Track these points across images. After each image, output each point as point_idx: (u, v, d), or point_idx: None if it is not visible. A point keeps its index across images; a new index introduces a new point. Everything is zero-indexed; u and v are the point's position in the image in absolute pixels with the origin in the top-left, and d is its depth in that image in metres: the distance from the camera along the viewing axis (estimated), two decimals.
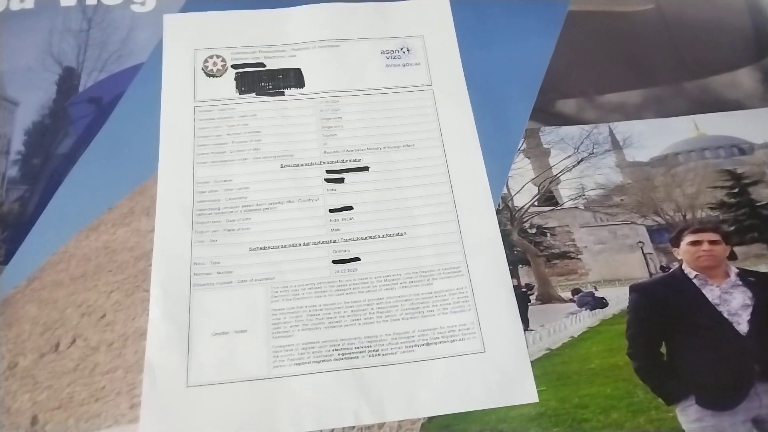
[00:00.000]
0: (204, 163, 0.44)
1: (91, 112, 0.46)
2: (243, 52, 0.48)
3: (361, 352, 0.38)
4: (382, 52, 0.50)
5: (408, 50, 0.50)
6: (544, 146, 0.46)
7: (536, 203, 0.43)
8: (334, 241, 0.42)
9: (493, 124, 0.46)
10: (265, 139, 0.45)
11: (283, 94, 0.47)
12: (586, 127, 0.47)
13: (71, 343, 0.38)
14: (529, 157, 0.46)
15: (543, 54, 0.50)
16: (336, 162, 0.45)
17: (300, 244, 0.41)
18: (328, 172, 0.44)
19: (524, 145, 0.46)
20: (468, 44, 0.50)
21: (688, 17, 0.53)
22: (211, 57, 0.48)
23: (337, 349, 0.38)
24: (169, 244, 0.41)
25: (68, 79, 0.47)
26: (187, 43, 0.48)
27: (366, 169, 0.45)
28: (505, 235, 0.41)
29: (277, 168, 0.44)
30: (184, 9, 0.50)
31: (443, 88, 0.48)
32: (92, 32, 0.48)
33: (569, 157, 0.46)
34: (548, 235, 0.42)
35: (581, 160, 0.45)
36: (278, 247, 0.41)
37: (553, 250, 0.42)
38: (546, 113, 0.48)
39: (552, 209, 0.44)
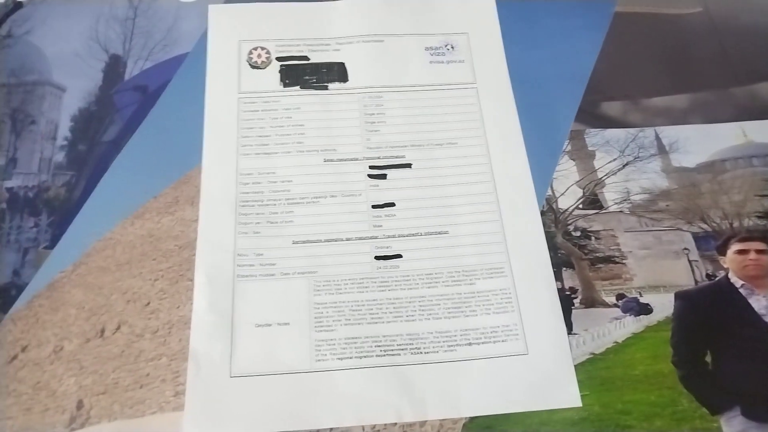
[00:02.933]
0: (248, 154, 0.44)
1: (137, 100, 0.46)
2: (287, 45, 0.48)
3: (402, 350, 0.38)
4: (426, 48, 0.49)
5: (452, 47, 0.49)
6: (589, 148, 0.45)
7: (581, 206, 0.43)
8: (376, 237, 0.41)
9: (537, 124, 0.46)
10: (309, 132, 0.45)
11: (326, 88, 0.47)
12: (632, 130, 0.46)
13: (116, 329, 0.38)
14: (573, 159, 0.45)
15: (589, 55, 0.49)
16: (379, 158, 0.44)
17: (342, 239, 0.41)
18: (371, 167, 0.44)
19: (569, 147, 0.45)
20: (513, 43, 0.49)
21: (737, 21, 0.51)
22: (255, 49, 0.48)
23: (379, 345, 0.38)
24: (213, 234, 0.41)
25: (114, 66, 0.47)
26: (231, 34, 0.48)
27: (409, 165, 0.44)
28: (549, 237, 0.41)
29: (321, 162, 0.44)
30: (229, 0, 0.50)
31: (487, 87, 0.47)
32: (138, 21, 0.49)
33: (614, 160, 0.45)
34: (593, 238, 0.41)
35: (626, 164, 0.45)
36: (321, 241, 0.41)
37: (597, 254, 0.41)
38: (591, 115, 0.47)
39: (597, 213, 0.43)
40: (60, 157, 0.44)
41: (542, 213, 0.42)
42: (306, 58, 0.48)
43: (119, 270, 0.40)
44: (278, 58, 0.48)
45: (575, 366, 0.37)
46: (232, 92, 0.46)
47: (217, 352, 0.37)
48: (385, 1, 0.50)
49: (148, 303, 0.39)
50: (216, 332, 0.38)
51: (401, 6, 0.50)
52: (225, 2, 0.50)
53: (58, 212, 0.41)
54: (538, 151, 0.45)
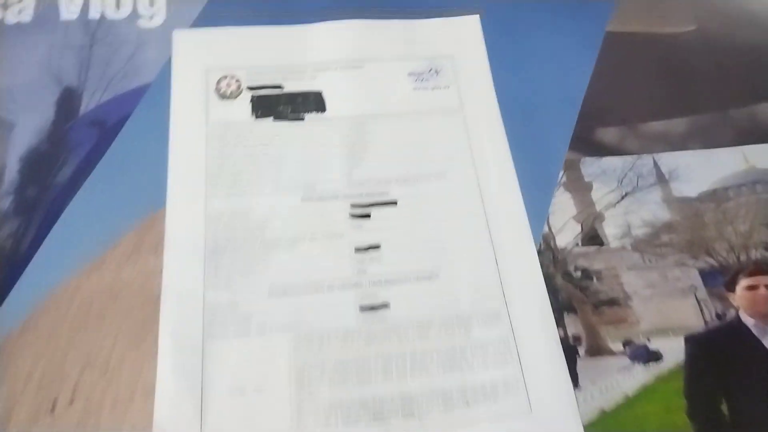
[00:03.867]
0: (218, 194, 0.40)
1: (93, 136, 0.42)
2: (260, 73, 0.44)
3: (394, 414, 0.34)
4: (410, 74, 0.46)
5: (437, 72, 0.46)
6: (586, 179, 0.42)
7: (580, 243, 0.40)
8: (361, 285, 0.38)
9: (530, 153, 0.43)
10: (285, 168, 0.41)
11: (303, 118, 0.43)
12: (629, 158, 0.43)
13: (71, 401, 0.34)
14: (570, 191, 0.42)
15: (581, 78, 0.47)
16: (362, 194, 0.41)
17: (324, 288, 0.37)
18: (353, 206, 0.40)
19: (564, 178, 0.42)
20: (500, 66, 0.46)
21: (733, 39, 0.49)
22: (224, 78, 0.44)
23: (368, 410, 0.34)
24: (179, 286, 0.37)
25: (68, 99, 0.43)
26: (198, 62, 0.44)
27: (394, 203, 0.41)
28: (548, 279, 0.38)
29: (298, 201, 0.40)
30: (196, 24, 0.46)
31: (475, 114, 0.44)
32: (95, 49, 0.44)
33: (612, 191, 0.42)
34: (594, 279, 0.39)
35: (625, 195, 0.42)
36: (300, 290, 0.37)
37: (600, 296, 0.38)
38: (586, 142, 0.44)
39: (597, 250, 0.40)
40: (6, 203, 0.39)
41: (539, 252, 0.39)
42: (280, 86, 0.44)
43: (74, 331, 0.36)
44: (250, 88, 0.44)
45: (584, 426, 0.34)
46: (199, 125, 0.42)
47: (184, 423, 0.33)
48: (364, 23, 0.47)
49: (107, 368, 0.35)
50: (183, 400, 0.33)
51: (382, 28, 0.47)
52: (190, 27, 0.47)
53: (4, 267, 0.37)
54: (532, 183, 0.42)
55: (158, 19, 0.46)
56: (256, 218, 0.39)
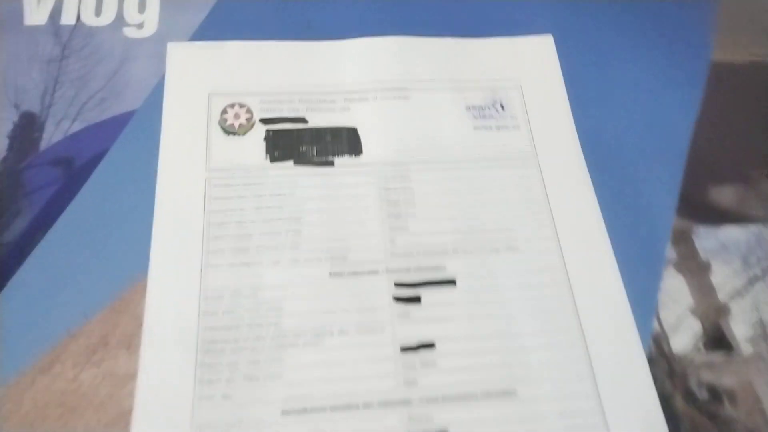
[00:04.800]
0: (217, 265, 0.30)
1: (56, 180, 0.32)
2: (277, 101, 0.35)
3: None
4: (469, 107, 0.36)
5: (502, 106, 0.37)
6: (702, 257, 0.33)
7: (702, 347, 0.31)
8: (410, 402, 0.28)
9: (625, 219, 0.33)
10: (308, 230, 0.31)
11: (332, 163, 0.34)
12: (754, 227, 0.34)
13: None
14: (682, 273, 0.32)
15: (684, 119, 0.37)
16: (408, 270, 0.31)
17: (359, 405, 0.28)
18: (398, 285, 0.31)
19: (673, 254, 0.33)
20: (582, 100, 0.36)
21: None
22: (231, 106, 0.35)
23: None
24: (159, 401, 0.26)
25: (27, 129, 0.32)
26: (198, 85, 0.34)
27: (452, 282, 0.31)
28: (665, 401, 0.28)
29: (325, 276, 0.31)
30: (197, 36, 0.36)
31: (553, 162, 0.34)
32: (67, 63, 0.35)
33: (737, 274, 0.33)
34: (726, 400, 0.29)
35: (755, 280, 0.32)
36: (325, 409, 0.27)
37: (735, 427, 0.29)
38: (697, 206, 0.34)
39: (725, 358, 0.31)
40: None
41: (650, 361, 0.30)
42: (303, 120, 0.35)
43: None
44: (264, 120, 0.34)
45: None
46: (196, 169, 0.32)
47: None
48: (411, 41, 0.37)
49: None
50: None
51: (433, 48, 0.37)
52: (190, 39, 0.37)
53: None
54: (632, 260, 0.32)
55: (149, 28, 0.36)
56: (268, 300, 0.29)
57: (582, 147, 0.35)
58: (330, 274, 0.30)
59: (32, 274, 0.29)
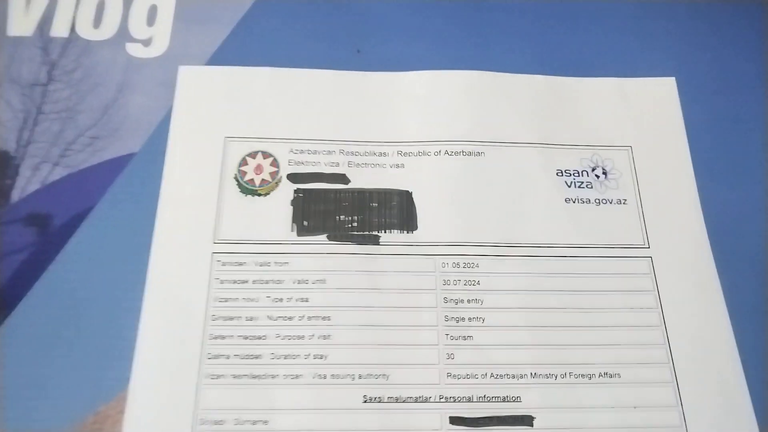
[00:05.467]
0: (219, 378, 0.23)
1: (28, 244, 0.25)
2: (311, 151, 0.27)
3: None
4: (559, 173, 0.28)
5: (605, 173, 0.29)
6: None
7: None
8: None
9: (764, 339, 0.26)
10: (340, 335, 0.24)
11: (377, 241, 0.26)
12: None
13: None
14: None
15: None
16: (470, 399, 0.23)
17: None
18: (453, 422, 0.24)
19: None
20: (710, 170, 0.28)
21: None
22: (253, 156, 0.27)
23: None
24: None
25: None
26: (213, 125, 0.27)
27: (529, 421, 0.24)
28: None
29: (357, 401, 0.23)
30: (217, 58, 0.29)
31: (670, 255, 0.26)
32: (54, 89, 0.27)
33: None
34: None
35: None
36: None
37: None
38: None
39: None
40: None
41: None
42: (344, 178, 0.28)
43: None
44: (292, 177, 0.28)
45: None
46: (202, 241, 0.25)
47: None
48: (489, 78, 0.29)
49: None
50: None
51: (518, 88, 0.29)
52: (207, 63, 0.30)
53: None
54: None
55: (159, 46, 0.29)
56: (283, 429, 0.23)
57: (710, 235, 0.27)
58: (365, 399, 0.23)
59: None
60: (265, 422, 0.22)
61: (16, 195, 0.26)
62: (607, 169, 0.28)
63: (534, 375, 0.24)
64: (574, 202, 0.27)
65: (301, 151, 0.27)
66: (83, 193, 0.26)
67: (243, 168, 0.27)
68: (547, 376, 0.24)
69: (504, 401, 0.23)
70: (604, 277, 0.26)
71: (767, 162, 0.29)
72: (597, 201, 0.27)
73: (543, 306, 0.25)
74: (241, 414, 0.22)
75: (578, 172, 0.28)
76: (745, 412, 0.23)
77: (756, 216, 0.28)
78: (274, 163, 0.27)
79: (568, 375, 0.24)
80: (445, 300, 0.25)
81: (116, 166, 0.26)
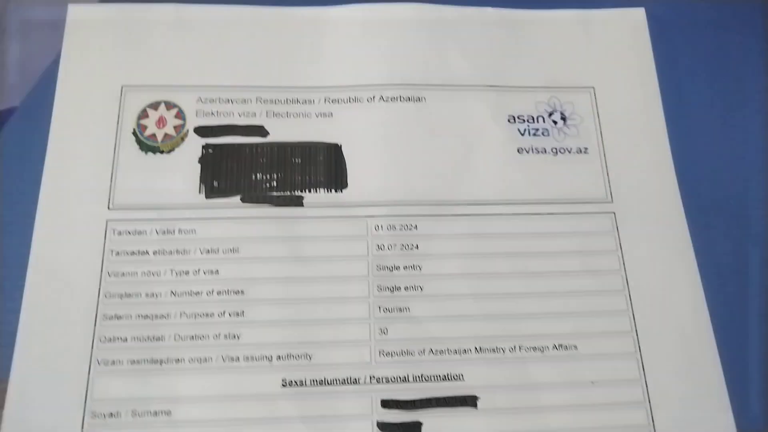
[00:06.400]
0: (114, 364, 0.20)
1: None
2: (223, 100, 0.24)
3: None
4: (513, 119, 0.26)
5: (563, 118, 0.26)
6: None
7: None
8: None
9: (737, 302, 0.24)
10: (255, 312, 0.21)
11: (300, 202, 0.24)
12: None
13: None
14: None
15: None
16: (405, 380, 0.21)
17: None
18: (386, 405, 0.21)
19: None
20: (683, 116, 0.25)
21: None
22: (155, 107, 0.24)
23: None
24: None
25: None
26: (108, 72, 0.23)
27: (472, 401, 0.21)
28: None
29: (276, 387, 0.20)
30: None
31: (636, 213, 0.23)
32: None
33: None
34: None
35: None
36: None
37: None
38: None
39: None
40: None
41: None
42: (260, 130, 0.24)
43: None
44: (200, 130, 0.24)
45: None
46: (94, 206, 0.22)
47: None
48: (431, 11, 0.25)
49: None
50: None
51: (466, 24, 0.25)
52: (100, 0, 0.27)
53: None
54: (745, 368, 0.22)
55: None
56: (188, 422, 0.19)
57: (681, 188, 0.24)
58: (284, 383, 0.21)
59: None
60: (168, 413, 0.20)
61: None
62: (567, 114, 0.25)
63: (479, 350, 0.21)
64: (527, 153, 0.24)
65: (211, 100, 0.24)
66: None
67: (143, 121, 0.23)
68: (493, 351, 0.21)
69: (444, 380, 0.21)
70: (561, 237, 0.23)
71: (747, 104, 0.26)
72: (554, 151, 0.24)
73: (490, 272, 0.22)
74: (139, 405, 0.20)
75: (533, 118, 0.25)
76: (716, 385, 0.21)
77: (733, 166, 0.25)
78: (179, 114, 0.24)
79: (517, 349, 0.21)
80: (378, 268, 0.22)
81: None
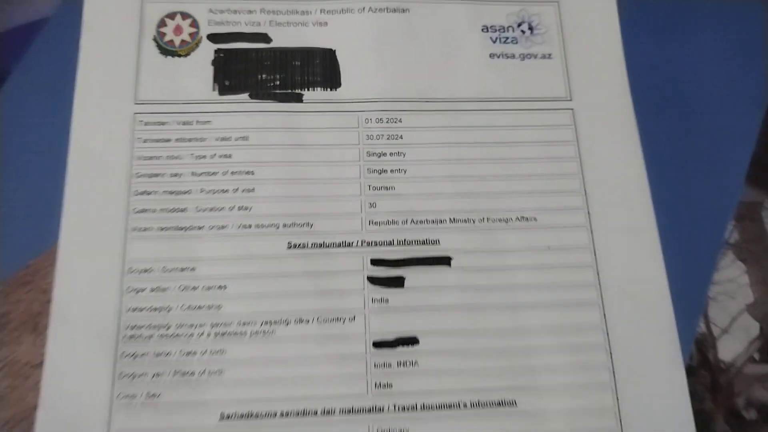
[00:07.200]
0: (145, 231, 0.25)
1: None
2: (231, 11, 0.27)
3: None
4: (486, 28, 0.30)
5: (531, 29, 0.30)
6: None
7: (757, 355, 0.26)
8: (381, 410, 0.24)
9: (678, 187, 0.27)
10: (263, 189, 0.25)
11: (300, 98, 0.28)
12: None
13: None
14: (743, 260, 0.27)
15: (760, 63, 0.30)
16: (391, 244, 0.25)
17: (317, 413, 0.24)
18: (375, 263, 0.26)
19: (735, 235, 0.27)
20: (638, 27, 0.30)
21: None
22: (172, 17, 0.28)
23: None
24: (70, 396, 0.23)
25: None
26: None
27: (446, 261, 0.26)
28: (703, 422, 0.24)
29: (282, 248, 0.25)
30: None
31: (593, 109, 0.27)
32: None
33: None
34: None
35: None
36: (275, 415, 0.24)
37: None
38: None
39: None
40: None
41: (689, 370, 0.25)
42: (265, 37, 0.28)
43: None
44: (213, 37, 0.28)
45: None
46: (122, 102, 0.26)
47: None
48: None
49: None
50: None
51: None
52: None
53: None
54: (680, 241, 0.26)
55: None
56: (208, 277, 0.24)
57: (632, 90, 0.28)
58: (289, 245, 0.25)
59: None
60: (192, 269, 0.24)
61: None
62: (534, 24, 0.29)
63: (453, 220, 0.26)
64: (498, 58, 0.28)
65: (221, 11, 0.27)
66: None
67: (162, 29, 0.27)
68: (465, 221, 0.26)
69: (423, 244, 0.25)
70: (527, 129, 0.27)
71: (701, 18, 0.30)
72: (521, 56, 0.28)
73: (465, 158, 0.26)
74: (168, 263, 0.24)
75: (504, 28, 0.28)
76: (654, 251, 0.26)
77: (681, 71, 0.29)
78: (194, 23, 0.27)
79: (486, 220, 0.26)
80: (368, 154, 0.26)
81: (29, 29, 0.27)
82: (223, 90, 0.26)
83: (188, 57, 0.27)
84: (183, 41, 0.27)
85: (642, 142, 0.27)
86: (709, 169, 0.27)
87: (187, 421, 0.22)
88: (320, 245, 0.25)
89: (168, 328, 0.23)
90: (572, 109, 0.27)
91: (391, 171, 0.26)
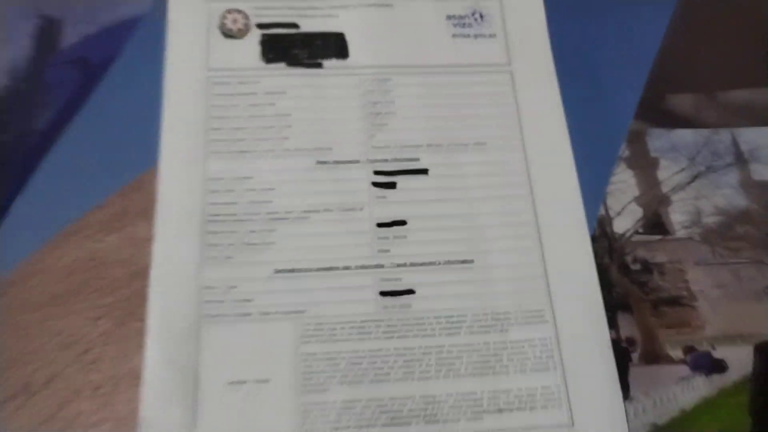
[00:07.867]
0: (219, 153, 0.36)
1: (76, 77, 0.38)
2: (270, 8, 0.40)
3: (415, 417, 0.32)
4: (449, 17, 0.42)
5: (481, 16, 0.42)
6: (652, 155, 0.39)
7: (641, 230, 0.37)
8: (382, 266, 0.35)
9: (587, 121, 0.39)
10: (297, 125, 0.37)
11: (321, 65, 0.40)
12: (704, 131, 0.39)
13: (46, 383, 0.32)
14: (632, 168, 0.38)
15: (653, 32, 0.42)
16: (386, 161, 0.37)
17: (339, 267, 0.35)
18: (376, 173, 0.37)
19: (627, 152, 0.38)
20: (558, 13, 0.42)
21: None
22: (230, 12, 0.40)
23: (385, 412, 0.32)
24: (172, 259, 0.34)
25: (48, 31, 0.39)
26: None
27: (424, 172, 0.37)
28: (602, 271, 0.35)
29: (312, 165, 0.37)
30: None
31: (525, 71, 0.40)
32: None
33: (682, 170, 0.38)
34: (655, 273, 0.35)
35: (697, 176, 0.38)
36: (311, 270, 0.35)
37: (661, 294, 0.35)
38: (654, 111, 0.40)
39: (661, 239, 0.37)
40: None
41: (593, 239, 0.36)
42: (295, 25, 0.40)
43: (50, 305, 0.33)
44: (260, 25, 0.40)
45: None
46: (199, 69, 0.38)
47: (175, 420, 0.31)
48: None
49: (88, 350, 0.32)
50: (174, 392, 0.31)
51: None
52: None
53: None
54: (589, 155, 0.37)
55: None
56: (261, 184, 0.36)
57: (555, 56, 0.40)
58: (317, 162, 0.37)
59: (60, 158, 0.36)
60: (251, 177, 0.35)
61: (63, 44, 0.38)
62: (483, 13, 0.41)
63: (428, 145, 0.37)
64: (459, 37, 0.40)
65: (263, 8, 0.40)
66: (112, 41, 0.39)
67: (224, 20, 0.39)
68: (437, 146, 0.37)
69: (409, 161, 0.37)
70: (479, 86, 0.39)
71: (604, 4, 0.42)
72: (475, 36, 0.40)
73: (435, 104, 0.38)
74: (234, 174, 0.36)
75: (462, 17, 0.41)
76: (569, 162, 0.37)
77: (591, 42, 0.41)
78: (245, 16, 0.39)
79: (451, 144, 0.37)
80: (369, 102, 0.38)
81: (132, 22, 0.39)
82: (268, 60, 0.38)
83: (243, 39, 0.39)
84: (239, 29, 0.39)
85: (561, 91, 0.39)
86: (609, 108, 0.39)
87: (254, 273, 0.33)
88: (338, 162, 0.36)
89: (236, 215, 0.35)
90: (511, 71, 0.39)
91: (385, 113, 0.38)
